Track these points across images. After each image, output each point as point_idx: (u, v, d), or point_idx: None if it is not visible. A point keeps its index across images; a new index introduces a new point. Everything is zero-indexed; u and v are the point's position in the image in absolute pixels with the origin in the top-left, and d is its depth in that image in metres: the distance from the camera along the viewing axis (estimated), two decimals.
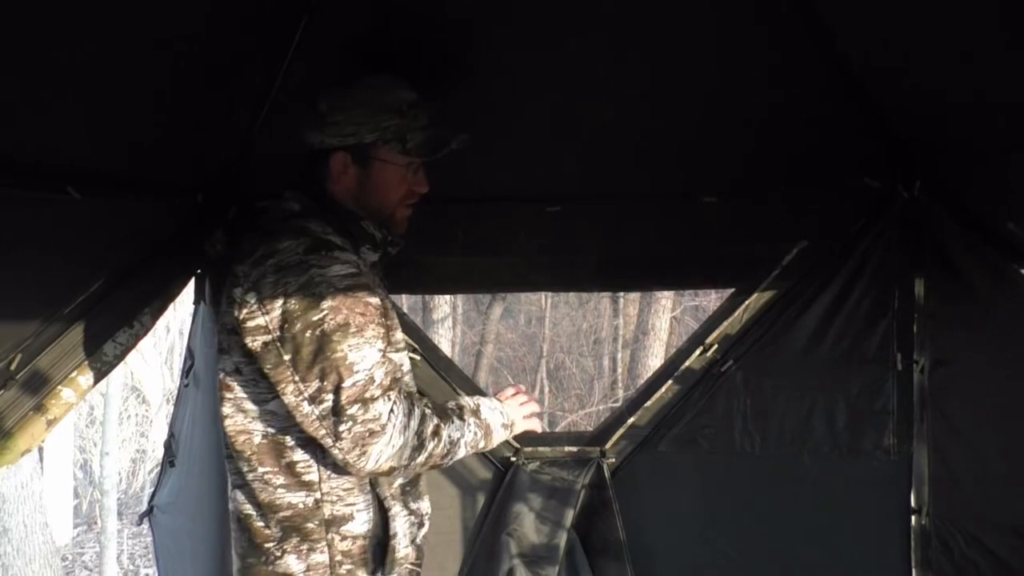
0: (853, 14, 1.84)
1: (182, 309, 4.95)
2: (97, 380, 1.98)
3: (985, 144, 1.98)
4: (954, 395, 2.22)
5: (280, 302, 1.50)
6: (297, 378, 1.48)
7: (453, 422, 1.63)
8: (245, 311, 1.52)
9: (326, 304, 1.47)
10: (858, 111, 2.18)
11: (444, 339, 7.65)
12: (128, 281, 1.88)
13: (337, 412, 1.46)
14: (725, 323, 2.39)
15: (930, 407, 2.25)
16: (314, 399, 1.48)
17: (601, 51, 2.09)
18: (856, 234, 2.33)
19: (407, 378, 1.72)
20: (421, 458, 1.56)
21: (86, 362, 1.91)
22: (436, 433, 1.58)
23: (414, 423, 1.54)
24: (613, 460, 2.42)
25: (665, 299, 8.03)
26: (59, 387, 1.89)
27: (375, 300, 1.54)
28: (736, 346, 2.38)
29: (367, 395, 1.47)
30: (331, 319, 1.47)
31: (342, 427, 1.46)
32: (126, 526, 6.63)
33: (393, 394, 1.51)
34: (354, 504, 1.62)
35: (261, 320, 1.51)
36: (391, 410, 1.49)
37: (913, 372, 2.27)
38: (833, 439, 2.35)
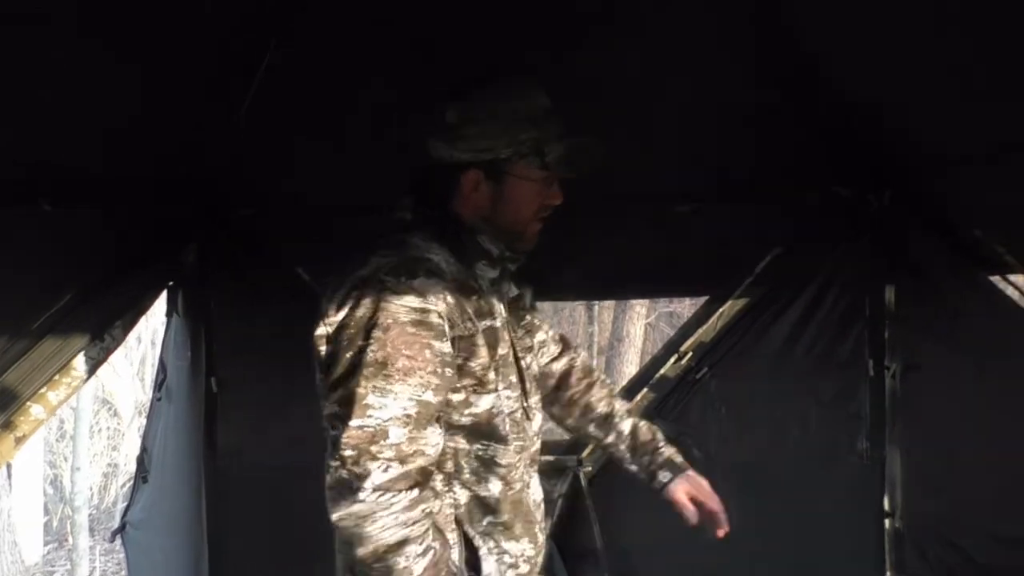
0: (829, 31, 1.86)
1: (154, 320, 4.89)
2: (68, 396, 1.96)
3: (952, 155, 2.03)
4: (925, 399, 2.25)
5: (343, 315, 1.39)
6: (321, 394, 1.42)
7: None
8: (318, 321, 1.43)
9: (377, 333, 1.35)
10: (831, 122, 2.21)
11: None
12: (98, 294, 1.86)
13: (334, 445, 1.34)
14: (700, 330, 2.41)
15: (902, 411, 2.28)
16: (328, 420, 1.39)
17: (574, 59, 2.09)
18: (828, 242, 2.36)
19: (499, 420, 1.52)
20: (362, 551, 1.34)
21: (56, 377, 1.89)
22: (406, 542, 1.35)
23: (392, 528, 1.32)
24: (590, 469, 2.43)
25: (640, 306, 8.05)
26: (28, 403, 1.87)
27: (439, 346, 1.39)
28: (711, 353, 2.40)
29: (370, 448, 1.32)
30: (373, 350, 1.34)
31: (331, 462, 1.34)
32: (98, 543, 6.52)
33: (401, 469, 1.33)
34: (450, 537, 1.50)
35: (322, 330, 1.42)
36: (382, 486, 1.31)
37: (885, 377, 2.29)
38: (807, 444, 2.37)
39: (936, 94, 1.85)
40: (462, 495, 1.50)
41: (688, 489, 1.72)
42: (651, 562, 2.42)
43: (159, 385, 2.36)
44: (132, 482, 2.61)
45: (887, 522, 2.29)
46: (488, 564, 1.51)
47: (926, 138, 2.05)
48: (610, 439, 1.82)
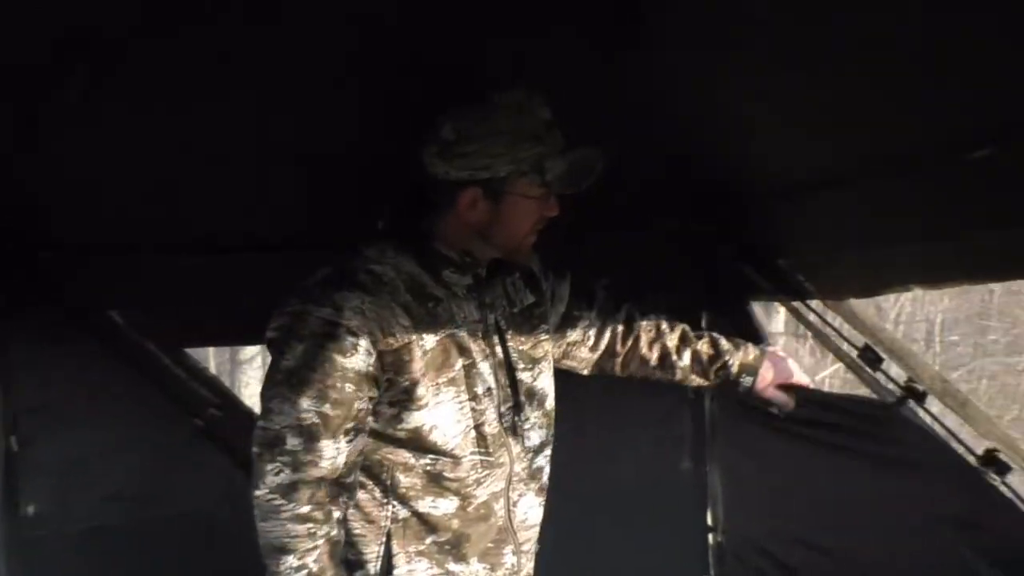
0: (653, 83, 1.96)
1: None
2: None
3: (758, 190, 2.20)
4: (740, 418, 2.41)
5: (279, 321, 1.42)
6: None
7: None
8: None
9: (293, 342, 1.38)
10: (657, 160, 2.33)
11: (255, 380, 7.33)
12: None
13: (253, 439, 1.41)
14: None
15: (719, 433, 2.44)
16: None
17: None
18: (651, 271, 2.48)
19: (437, 436, 1.47)
20: (259, 537, 1.39)
21: None
22: (285, 550, 1.37)
23: (276, 532, 1.36)
24: None
25: None
26: None
27: (342, 361, 1.37)
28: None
29: (271, 450, 1.37)
30: (287, 359, 1.38)
31: (251, 455, 1.41)
32: None
33: (292, 476, 1.35)
34: (372, 551, 1.47)
35: (268, 334, 1.45)
36: (273, 489, 1.36)
37: (704, 400, 2.44)
38: (637, 464, 2.48)
39: (753, 135, 1.99)
40: (401, 511, 1.46)
41: (769, 382, 1.80)
42: None
43: None
44: None
45: (710, 536, 2.43)
46: None
47: (739, 178, 2.21)
48: (679, 376, 1.84)
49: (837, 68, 1.58)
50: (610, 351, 1.86)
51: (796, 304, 2.32)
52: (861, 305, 2.24)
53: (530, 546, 1.60)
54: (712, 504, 2.44)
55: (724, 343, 1.83)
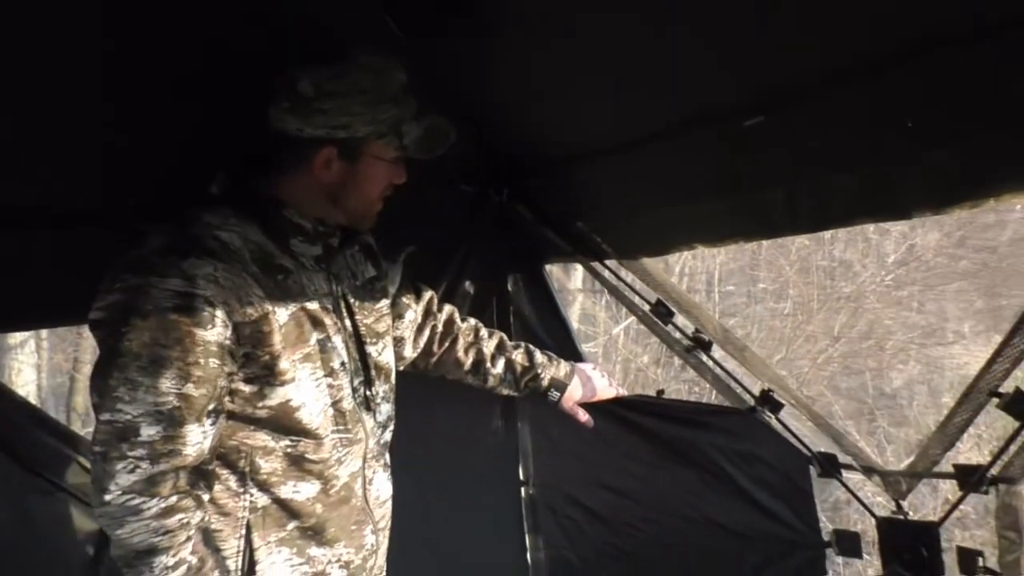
0: (448, 55, 1.95)
1: None
2: None
3: (556, 157, 2.27)
4: None
5: (109, 299, 1.23)
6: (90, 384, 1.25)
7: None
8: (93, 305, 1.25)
9: (135, 320, 1.21)
10: (457, 127, 2.33)
11: (28, 365, 6.65)
12: None
13: (93, 436, 1.23)
14: None
15: None
16: (94, 409, 1.24)
17: None
18: (456, 237, 2.51)
19: (303, 414, 1.37)
20: (114, 551, 1.25)
21: None
22: (155, 550, 1.24)
23: (141, 535, 1.22)
24: None
25: None
26: None
27: (202, 334, 1.24)
28: None
29: (120, 445, 1.20)
30: (129, 339, 1.21)
31: (92, 455, 1.23)
32: None
33: (152, 469, 1.22)
34: (231, 545, 1.34)
35: (93, 315, 1.26)
36: (129, 488, 1.20)
37: None
38: (452, 427, 2.51)
39: (547, 101, 2.05)
40: (260, 498, 1.36)
41: (575, 400, 1.92)
42: None
43: None
44: None
45: (522, 490, 2.53)
46: (273, 574, 1.37)
47: (535, 143, 2.27)
48: (490, 383, 1.87)
49: (622, 39, 1.67)
50: (427, 351, 1.87)
51: (593, 264, 2.44)
52: (652, 262, 2.40)
53: (385, 523, 1.58)
54: (523, 459, 2.54)
55: (538, 356, 1.91)
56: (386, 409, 1.60)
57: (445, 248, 2.52)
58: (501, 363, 1.88)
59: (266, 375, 1.34)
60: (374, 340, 1.57)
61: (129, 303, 1.23)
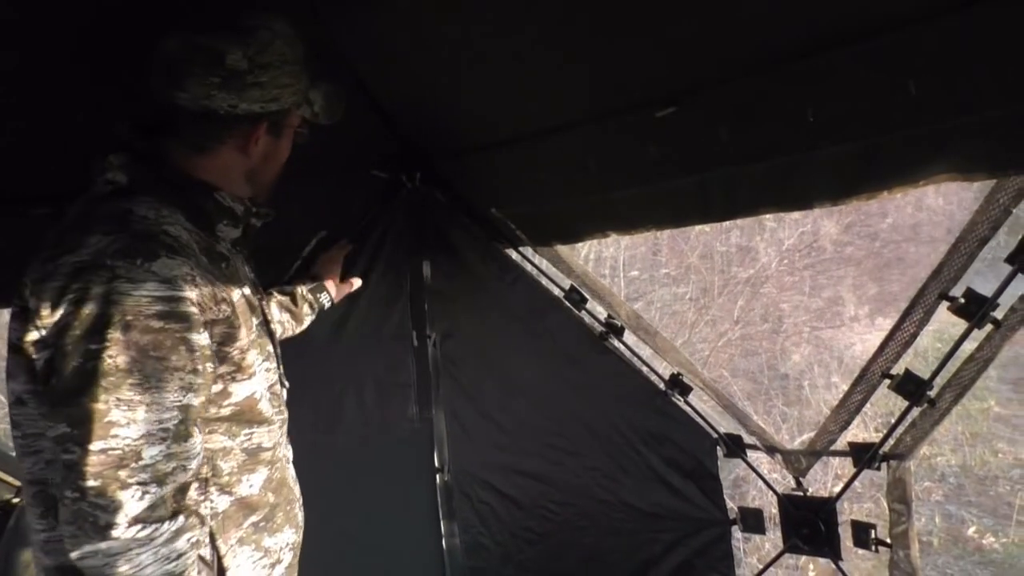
0: (365, 44, 1.92)
1: None
2: None
3: (469, 144, 2.26)
4: (461, 363, 2.52)
5: (61, 312, 1.06)
6: (42, 412, 1.08)
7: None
8: (25, 322, 1.09)
9: (114, 333, 1.06)
10: (368, 116, 2.29)
11: None
12: None
13: (69, 471, 1.04)
14: None
15: (443, 376, 2.52)
16: (58, 442, 1.06)
17: None
18: (369, 222, 2.48)
19: (262, 403, 1.32)
20: None
21: None
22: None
23: (151, 566, 1.08)
24: None
25: None
26: None
27: (195, 339, 1.13)
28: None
29: (119, 474, 1.06)
30: (111, 356, 1.06)
31: (67, 493, 1.05)
32: None
33: (160, 492, 1.09)
34: (203, 553, 1.23)
35: (35, 334, 1.08)
36: (139, 518, 1.07)
37: (427, 346, 2.51)
38: (364, 416, 2.49)
39: (458, 89, 2.03)
40: (220, 501, 1.28)
41: (337, 289, 2.06)
42: None
43: None
44: None
45: (438, 477, 2.53)
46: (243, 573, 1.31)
47: (447, 131, 2.25)
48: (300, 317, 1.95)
49: (534, 27, 1.67)
50: None
51: (508, 251, 2.45)
52: (565, 249, 2.43)
53: (302, 500, 1.55)
54: (439, 446, 2.54)
55: (302, 287, 2.04)
56: (287, 392, 1.58)
57: (356, 234, 2.48)
58: (298, 301, 2.00)
59: (233, 371, 1.27)
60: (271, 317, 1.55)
61: (99, 316, 1.07)
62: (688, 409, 2.17)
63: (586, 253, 7.56)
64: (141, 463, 1.08)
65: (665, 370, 2.26)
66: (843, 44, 1.42)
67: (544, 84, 1.88)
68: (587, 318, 2.34)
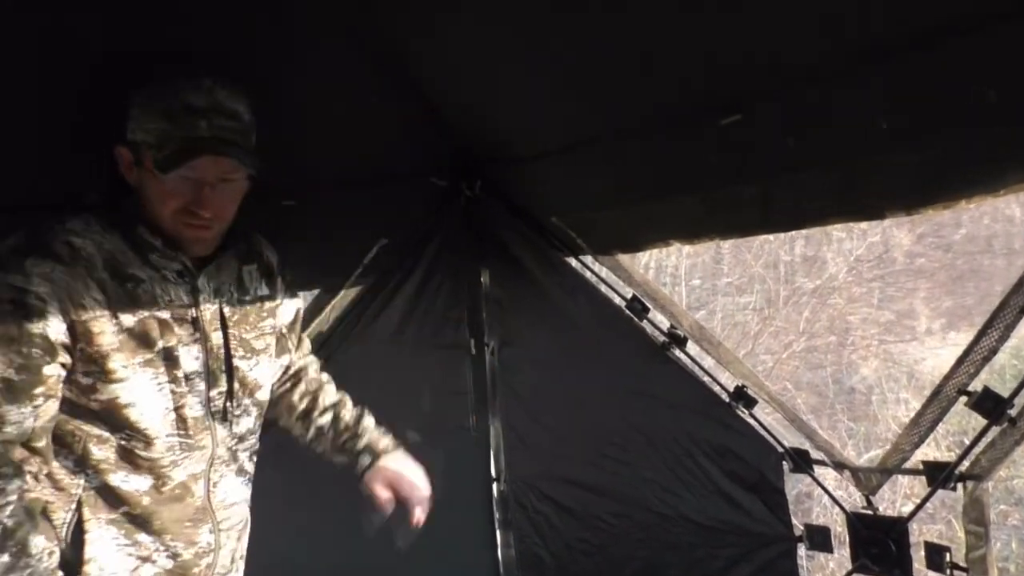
0: (426, 45, 1.93)
1: None
2: None
3: (529, 151, 2.25)
4: (518, 372, 2.50)
5: None
6: None
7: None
8: None
9: None
10: (427, 123, 2.31)
11: None
12: None
13: None
14: (314, 322, 2.39)
15: (500, 384, 2.51)
16: None
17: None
18: (428, 231, 2.48)
19: (133, 412, 1.44)
20: None
21: None
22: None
23: None
24: None
25: None
26: None
27: (29, 326, 1.34)
28: (326, 344, 2.40)
29: None
30: None
31: None
32: None
33: None
34: (60, 517, 1.42)
35: None
36: None
37: (485, 354, 2.50)
38: (421, 422, 2.48)
39: (517, 97, 2.03)
40: (94, 480, 1.44)
41: (384, 478, 1.75)
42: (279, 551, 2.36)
43: None
44: None
45: (494, 486, 2.52)
46: (98, 548, 1.44)
47: (510, 136, 2.25)
48: (310, 434, 1.79)
49: (596, 34, 1.65)
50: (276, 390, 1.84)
51: (568, 259, 2.43)
52: (626, 258, 2.40)
53: (231, 524, 1.60)
54: (495, 455, 2.52)
55: (368, 422, 1.83)
56: (246, 423, 1.62)
57: (415, 242, 2.49)
58: (328, 416, 1.82)
59: (97, 371, 1.41)
60: (247, 355, 1.59)
61: None
62: (753, 422, 2.11)
63: (646, 262, 7.48)
64: None
65: (728, 381, 2.21)
66: (918, 48, 1.37)
67: (605, 90, 1.85)
68: (649, 328, 2.30)
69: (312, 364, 1.90)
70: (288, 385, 1.83)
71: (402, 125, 2.28)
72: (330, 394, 1.85)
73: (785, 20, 1.44)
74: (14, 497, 1.33)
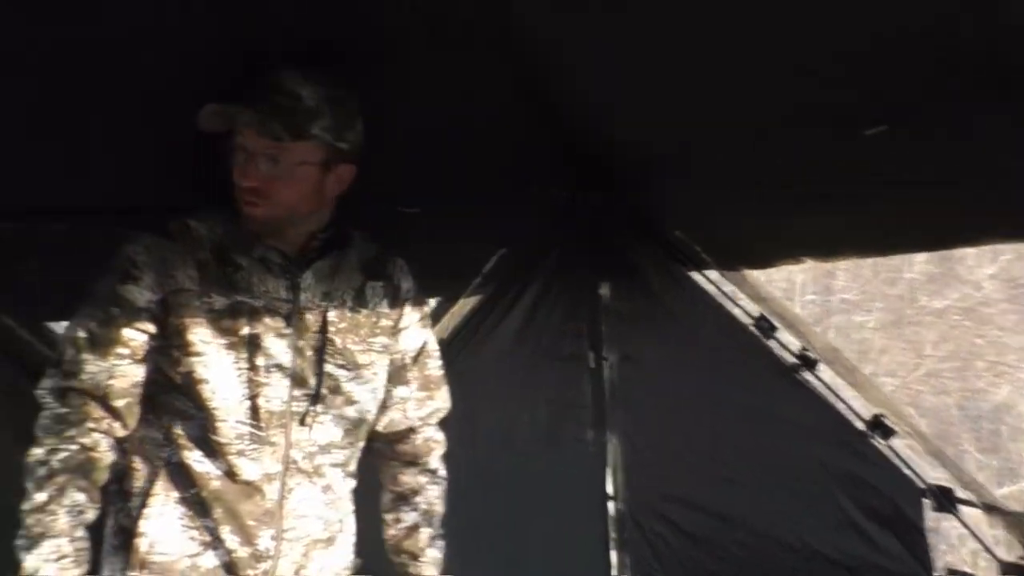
0: (550, 50, 1.90)
1: None
2: None
3: (653, 160, 2.19)
4: (638, 387, 2.44)
5: None
6: None
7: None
8: None
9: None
10: (547, 130, 2.27)
11: None
12: None
13: None
14: (435, 330, 2.38)
15: (620, 399, 2.45)
16: None
17: None
18: (548, 241, 2.44)
19: (206, 390, 1.47)
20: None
21: None
22: (38, 443, 1.43)
23: (47, 420, 1.44)
24: None
25: None
26: None
27: (119, 288, 1.47)
28: (445, 352, 2.38)
29: (57, 352, 1.49)
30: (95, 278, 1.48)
31: None
32: None
33: (61, 383, 1.45)
34: (131, 484, 1.52)
35: None
36: (44, 386, 1.45)
37: (604, 368, 2.44)
38: (536, 435, 2.46)
39: (645, 105, 1.97)
40: (173, 455, 1.49)
41: None
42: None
43: None
44: None
45: (610, 504, 2.46)
46: (158, 525, 1.47)
47: (633, 150, 2.19)
48: (387, 518, 1.71)
49: (725, 38, 1.56)
50: (383, 451, 1.74)
51: (692, 273, 2.36)
52: (754, 274, 2.31)
53: (298, 535, 1.54)
54: (612, 473, 2.46)
55: (434, 554, 1.71)
56: (330, 433, 1.57)
57: (534, 253, 2.46)
58: (411, 518, 1.71)
59: (180, 344, 1.47)
60: (347, 366, 1.57)
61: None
62: (891, 454, 1.99)
63: (757, 273, 7.26)
64: (62, 356, 1.46)
65: (864, 409, 2.09)
66: None
67: (737, 98, 1.77)
68: (776, 348, 2.20)
69: (432, 447, 1.77)
70: (395, 451, 1.72)
71: (525, 134, 2.25)
72: (427, 493, 1.74)
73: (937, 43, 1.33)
74: (73, 447, 1.42)
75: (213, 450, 1.48)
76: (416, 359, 1.70)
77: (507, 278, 2.43)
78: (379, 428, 1.69)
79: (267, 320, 1.49)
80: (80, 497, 1.40)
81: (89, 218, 1.90)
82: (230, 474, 1.48)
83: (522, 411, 2.45)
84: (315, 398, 1.52)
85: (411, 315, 1.69)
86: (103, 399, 1.45)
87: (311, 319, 1.53)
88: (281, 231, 1.53)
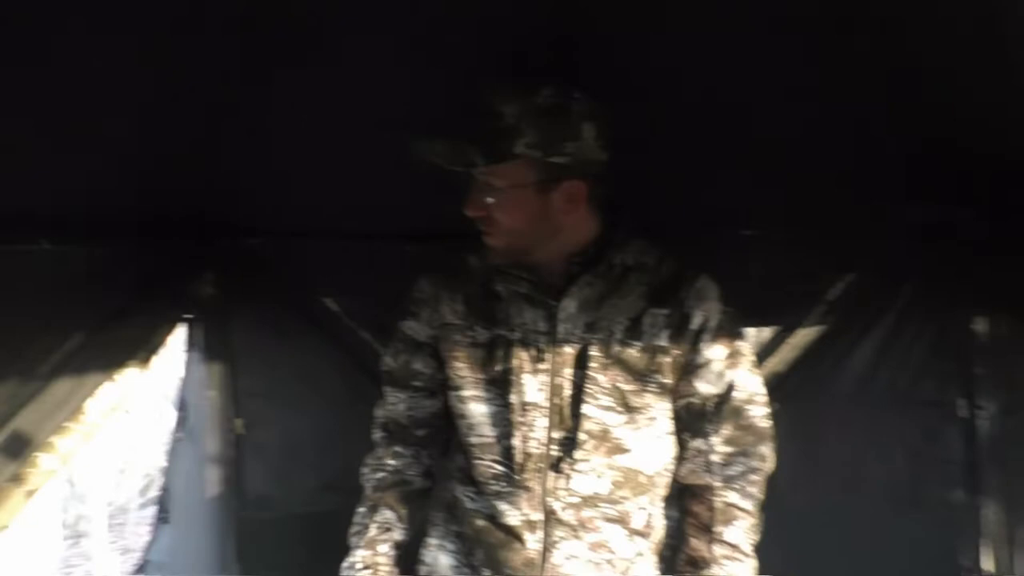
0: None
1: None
2: (81, 444, 1.83)
3: None
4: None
5: None
6: None
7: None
8: None
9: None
10: (907, 130, 1.95)
11: None
12: (108, 334, 1.71)
13: None
14: (771, 361, 2.20)
15: (998, 456, 2.05)
16: None
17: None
18: (906, 266, 2.13)
19: (464, 426, 1.49)
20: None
21: (66, 424, 1.76)
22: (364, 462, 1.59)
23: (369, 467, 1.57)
24: None
25: None
26: (37, 454, 1.74)
27: (405, 323, 1.57)
28: (781, 386, 2.17)
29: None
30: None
31: None
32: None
33: (376, 411, 1.58)
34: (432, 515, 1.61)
35: None
36: (373, 417, 1.59)
37: (977, 418, 2.06)
38: (889, 489, 2.15)
39: None
40: (456, 488, 1.52)
41: None
42: None
43: (180, 424, 2.22)
44: (152, 522, 2.46)
45: None
46: (434, 555, 1.52)
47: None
48: (685, 545, 1.50)
49: None
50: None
51: None
52: None
53: None
54: (990, 545, 2.05)
55: (720, 553, 1.46)
56: (593, 484, 1.40)
57: (890, 279, 2.16)
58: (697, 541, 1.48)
59: (449, 377, 1.51)
60: (614, 407, 1.42)
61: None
62: None
63: None
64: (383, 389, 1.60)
65: None
66: None
67: None
68: None
69: (736, 516, 1.49)
70: (689, 510, 1.50)
71: (875, 136, 1.95)
72: (720, 512, 1.49)
73: None
74: (384, 473, 1.53)
75: (479, 489, 1.46)
76: (720, 405, 1.48)
77: (857, 307, 2.18)
78: (680, 479, 1.52)
79: (523, 354, 1.42)
80: (389, 515, 1.50)
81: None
82: (491, 516, 1.43)
83: (871, 459, 2.15)
84: (570, 444, 1.40)
85: (711, 350, 1.47)
86: (406, 429, 1.55)
87: (570, 352, 1.42)
88: (529, 258, 1.44)
